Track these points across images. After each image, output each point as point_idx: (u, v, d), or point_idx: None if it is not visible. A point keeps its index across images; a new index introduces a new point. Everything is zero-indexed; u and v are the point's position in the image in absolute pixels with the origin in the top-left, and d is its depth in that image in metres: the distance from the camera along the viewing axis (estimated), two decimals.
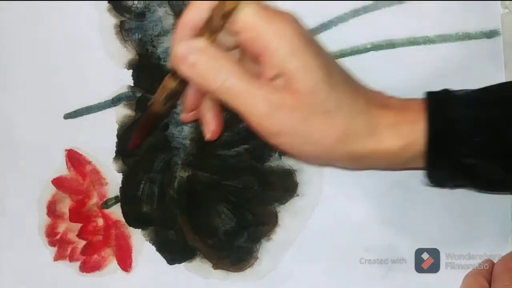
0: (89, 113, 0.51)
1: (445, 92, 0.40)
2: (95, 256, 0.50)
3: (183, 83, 0.41)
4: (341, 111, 0.37)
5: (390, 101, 0.40)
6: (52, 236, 0.51)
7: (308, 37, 0.37)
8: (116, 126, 0.51)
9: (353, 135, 0.38)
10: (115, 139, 0.51)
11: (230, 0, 0.36)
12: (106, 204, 0.51)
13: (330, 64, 0.38)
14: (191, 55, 0.36)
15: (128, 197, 0.50)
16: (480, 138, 0.38)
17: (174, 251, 0.50)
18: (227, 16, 0.37)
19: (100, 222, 0.51)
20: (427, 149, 0.38)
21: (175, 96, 0.42)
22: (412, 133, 0.39)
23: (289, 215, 0.50)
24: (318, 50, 0.37)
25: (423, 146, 0.39)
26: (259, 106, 0.36)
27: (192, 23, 0.38)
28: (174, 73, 0.40)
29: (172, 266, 0.50)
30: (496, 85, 0.41)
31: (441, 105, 0.38)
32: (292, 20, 0.37)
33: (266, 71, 0.37)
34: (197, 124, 0.49)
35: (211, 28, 0.37)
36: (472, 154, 0.38)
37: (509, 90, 0.40)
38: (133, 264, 0.50)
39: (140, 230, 0.50)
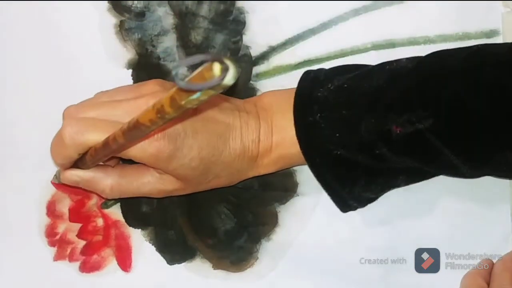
0: None
1: (309, 105, 0.44)
2: (95, 256, 0.50)
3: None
4: (222, 175, 0.45)
5: (267, 142, 0.46)
6: (52, 236, 0.51)
7: (175, 145, 0.41)
8: None
9: (238, 179, 0.47)
10: None
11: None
12: (106, 204, 0.51)
13: (201, 157, 0.43)
14: (79, 184, 0.45)
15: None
16: (338, 134, 0.43)
17: (174, 251, 0.50)
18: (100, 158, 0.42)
19: (100, 222, 0.51)
20: (305, 159, 0.45)
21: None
22: (287, 158, 0.46)
23: (289, 215, 0.50)
24: (186, 151, 0.42)
25: (301, 160, 0.46)
26: (153, 195, 0.46)
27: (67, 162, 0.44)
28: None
29: (172, 266, 0.50)
30: (349, 83, 0.45)
31: (305, 124, 0.44)
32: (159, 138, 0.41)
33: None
34: None
35: (86, 164, 0.44)
36: (338, 147, 0.44)
37: (354, 90, 0.44)
38: (133, 264, 0.50)
39: (140, 230, 0.50)
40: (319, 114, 0.44)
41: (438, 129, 0.41)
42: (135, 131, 0.34)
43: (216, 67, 0.26)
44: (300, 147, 0.45)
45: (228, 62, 0.26)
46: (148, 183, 0.45)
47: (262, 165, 0.46)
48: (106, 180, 0.45)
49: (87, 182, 0.45)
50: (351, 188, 0.45)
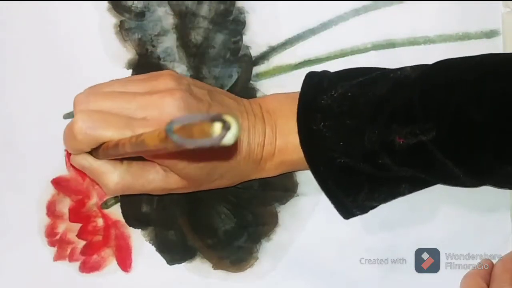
0: None
1: (313, 111, 0.44)
2: (95, 256, 0.50)
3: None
4: (226, 176, 0.45)
5: (270, 148, 0.46)
6: (52, 236, 0.50)
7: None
8: None
9: (240, 180, 0.47)
10: None
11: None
12: (106, 204, 0.51)
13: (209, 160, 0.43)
14: (85, 170, 0.45)
15: (127, 197, 0.50)
16: (342, 142, 0.43)
17: (174, 251, 0.50)
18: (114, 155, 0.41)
19: (100, 222, 0.51)
20: (309, 167, 0.45)
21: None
22: (289, 163, 0.46)
23: (289, 215, 0.50)
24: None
25: (304, 166, 0.45)
26: (156, 193, 0.46)
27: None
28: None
29: (172, 266, 0.50)
30: (353, 92, 0.44)
31: (308, 131, 0.44)
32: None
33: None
34: None
35: (98, 155, 0.43)
36: (342, 156, 0.44)
37: (356, 98, 0.44)
38: (133, 264, 0.50)
39: (140, 230, 0.50)
40: (322, 123, 0.44)
41: (440, 141, 0.41)
42: (142, 147, 0.34)
43: (217, 126, 0.25)
44: (304, 155, 0.45)
45: (230, 120, 0.25)
46: (153, 180, 0.45)
47: (265, 168, 0.46)
48: (113, 174, 0.44)
49: (94, 170, 0.44)
50: (355, 197, 0.45)
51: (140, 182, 0.45)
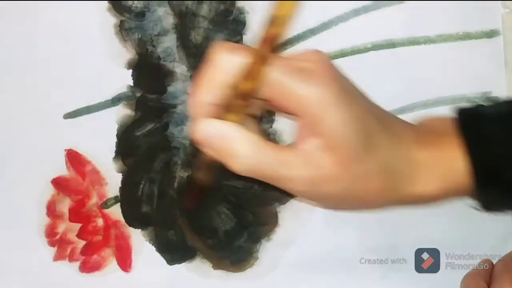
0: (89, 113, 0.51)
1: (475, 115, 0.36)
2: (95, 256, 0.50)
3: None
4: (382, 169, 0.35)
5: (422, 135, 0.36)
6: (52, 236, 0.51)
7: (342, 88, 0.34)
8: (116, 126, 0.51)
9: (393, 187, 0.35)
10: (115, 139, 0.51)
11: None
12: (106, 204, 0.51)
13: (366, 117, 0.34)
14: (210, 141, 0.34)
15: (127, 197, 0.50)
16: None
17: (174, 251, 0.50)
18: (247, 95, 0.34)
19: (100, 222, 0.51)
20: (474, 187, 0.36)
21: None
22: (454, 173, 0.36)
23: (289, 215, 0.50)
24: (353, 102, 0.34)
25: (468, 185, 0.36)
26: (297, 185, 0.35)
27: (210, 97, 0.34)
28: None
29: (172, 266, 0.50)
30: None
31: (475, 133, 0.35)
32: (324, 74, 0.33)
33: (301, 132, 0.34)
34: None
35: (234, 109, 0.34)
36: None
37: None
38: (133, 264, 0.50)
39: (140, 230, 0.50)
40: (491, 126, 0.35)
41: None
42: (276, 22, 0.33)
43: None
44: (477, 186, 0.36)
45: None
46: (292, 164, 0.34)
47: (420, 177, 0.36)
48: (245, 143, 0.33)
49: (223, 136, 0.34)
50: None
51: (276, 162, 0.34)
